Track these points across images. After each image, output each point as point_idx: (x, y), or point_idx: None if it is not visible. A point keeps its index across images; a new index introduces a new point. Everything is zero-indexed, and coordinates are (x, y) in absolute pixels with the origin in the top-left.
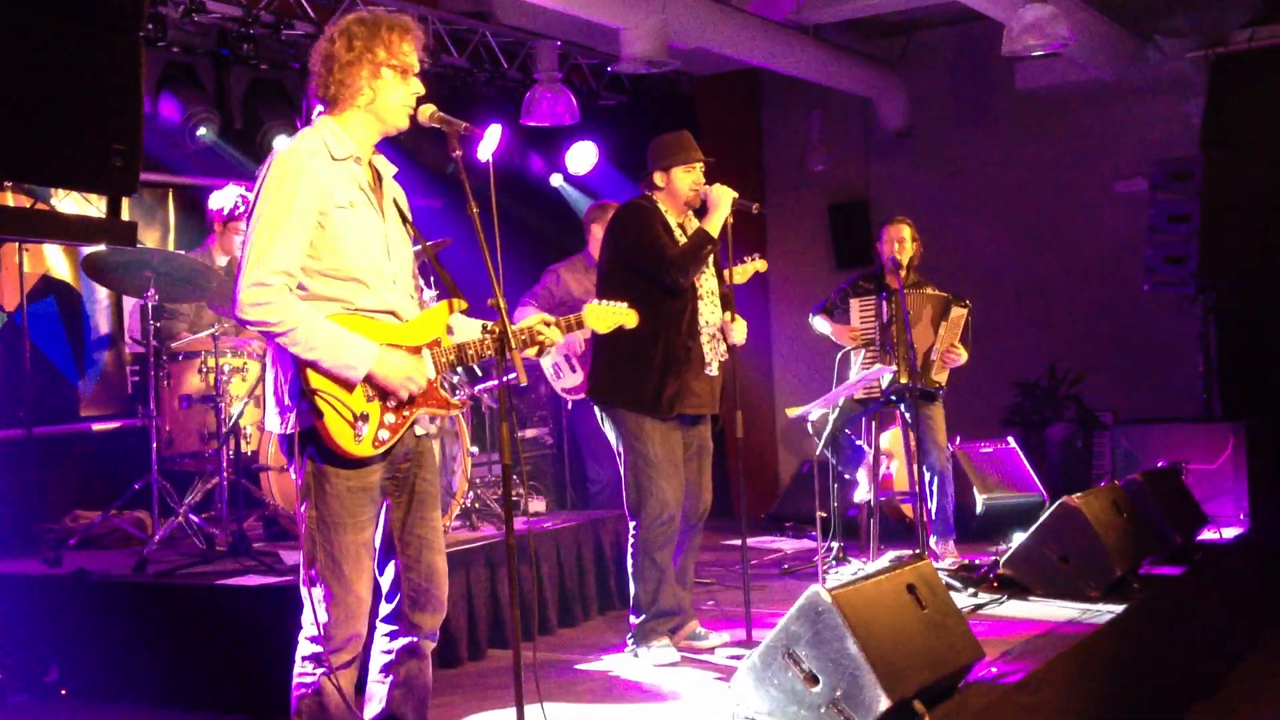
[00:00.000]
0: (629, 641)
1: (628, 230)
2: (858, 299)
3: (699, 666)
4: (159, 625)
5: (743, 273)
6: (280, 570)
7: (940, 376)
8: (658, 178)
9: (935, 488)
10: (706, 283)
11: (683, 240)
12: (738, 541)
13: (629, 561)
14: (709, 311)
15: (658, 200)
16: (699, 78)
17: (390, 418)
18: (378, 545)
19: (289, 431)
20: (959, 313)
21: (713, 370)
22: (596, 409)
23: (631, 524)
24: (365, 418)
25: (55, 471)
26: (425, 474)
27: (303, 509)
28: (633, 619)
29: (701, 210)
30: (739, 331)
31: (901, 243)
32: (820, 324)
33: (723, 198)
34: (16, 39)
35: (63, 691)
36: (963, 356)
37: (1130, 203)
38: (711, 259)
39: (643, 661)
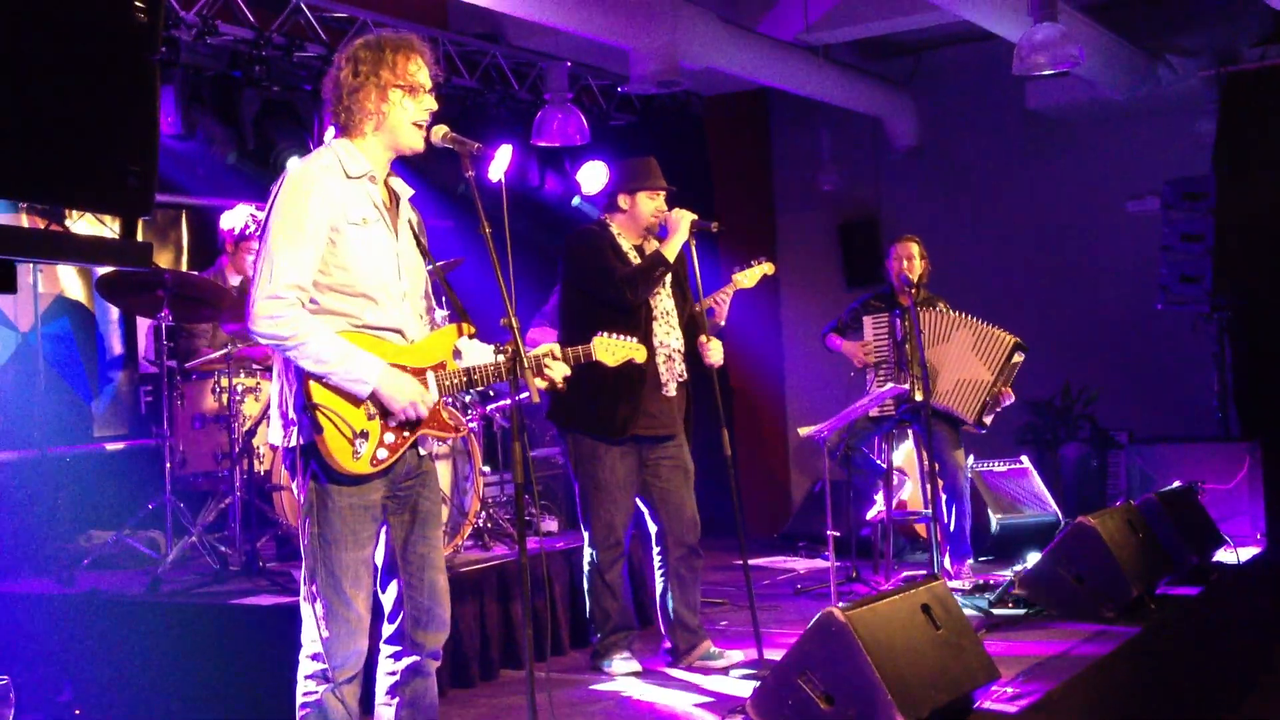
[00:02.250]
0: (592, 660)
1: (576, 255)
2: (870, 316)
3: (713, 687)
4: (172, 645)
5: (751, 276)
6: (293, 590)
7: (989, 418)
8: (622, 200)
9: (953, 508)
10: (661, 304)
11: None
12: (749, 561)
13: (584, 582)
14: (664, 333)
15: (614, 224)
16: (708, 98)
17: (390, 437)
18: (380, 565)
19: (290, 445)
20: (1020, 359)
21: (670, 391)
22: (557, 431)
23: (585, 544)
24: (365, 435)
25: (69, 491)
26: (428, 493)
27: (304, 525)
28: (593, 639)
29: (663, 235)
30: (715, 352)
31: (910, 260)
32: (833, 343)
33: (681, 221)
34: (31, 60)
35: (76, 711)
36: (1012, 398)
37: (1143, 222)
38: (673, 281)
39: (610, 673)
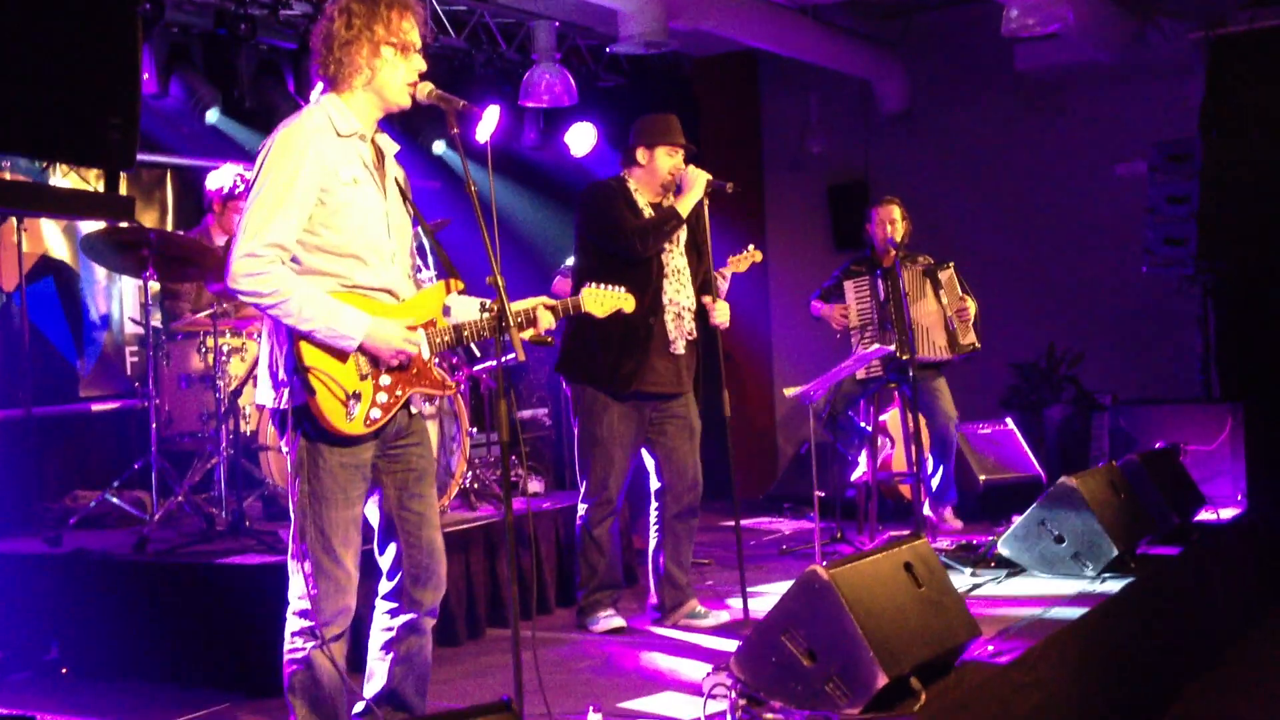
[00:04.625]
0: (577, 617)
1: (590, 207)
2: (851, 281)
3: (698, 645)
4: (159, 604)
5: (741, 262)
6: (279, 549)
7: (968, 339)
8: (640, 154)
9: (940, 457)
10: (674, 261)
11: None
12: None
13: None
14: (674, 290)
15: (631, 179)
16: (698, 59)
17: (383, 397)
18: (377, 527)
19: (282, 407)
20: (947, 274)
21: (678, 349)
22: (564, 384)
23: (580, 498)
24: (357, 396)
25: (55, 452)
26: (421, 450)
27: (294, 484)
28: (578, 595)
29: (678, 193)
30: (721, 313)
31: (894, 223)
32: (815, 309)
33: (697, 179)
34: (14, 13)
35: (63, 670)
36: (972, 307)
37: (1129, 184)
38: (688, 240)
39: (595, 631)
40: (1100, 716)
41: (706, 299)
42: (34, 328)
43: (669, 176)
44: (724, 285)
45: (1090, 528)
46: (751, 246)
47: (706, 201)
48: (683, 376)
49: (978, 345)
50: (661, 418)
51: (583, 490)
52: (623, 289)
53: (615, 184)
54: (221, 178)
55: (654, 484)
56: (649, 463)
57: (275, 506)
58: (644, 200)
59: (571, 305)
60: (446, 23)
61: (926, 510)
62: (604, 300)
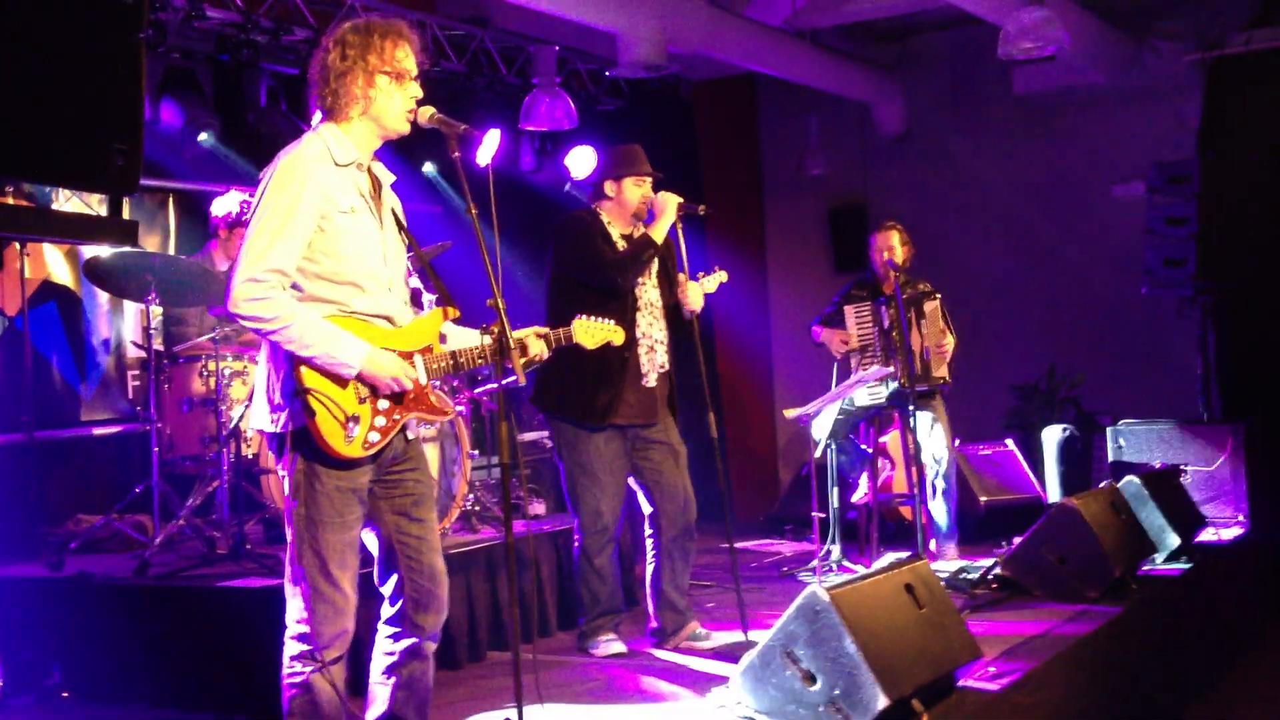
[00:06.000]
0: (578, 641)
1: (565, 241)
2: (852, 306)
3: (698, 667)
4: (160, 628)
5: (710, 282)
6: (280, 573)
7: (939, 371)
8: (608, 187)
9: (941, 490)
10: (646, 294)
11: None
12: (736, 544)
13: (575, 565)
14: (646, 324)
15: (603, 211)
16: (697, 82)
17: (381, 420)
18: (378, 551)
19: (279, 430)
20: (932, 305)
21: (649, 382)
22: (540, 416)
23: (575, 529)
24: (356, 419)
25: (57, 476)
26: (419, 475)
27: (291, 507)
28: (580, 620)
29: (650, 220)
30: (693, 293)
31: (892, 250)
32: (815, 334)
33: (668, 204)
34: (19, 38)
35: (65, 694)
36: (950, 343)
37: (1128, 206)
38: (659, 269)
39: (596, 655)
40: None
41: (681, 276)
42: (36, 352)
43: (639, 206)
44: (699, 299)
45: (1091, 549)
46: (718, 268)
47: (679, 225)
48: (656, 408)
49: (948, 380)
50: (644, 444)
51: (577, 522)
52: (612, 321)
53: (588, 217)
54: (227, 203)
55: (646, 509)
56: (638, 491)
57: (277, 530)
58: (616, 232)
59: (563, 335)
60: (447, 47)
61: (931, 544)
62: (595, 332)
